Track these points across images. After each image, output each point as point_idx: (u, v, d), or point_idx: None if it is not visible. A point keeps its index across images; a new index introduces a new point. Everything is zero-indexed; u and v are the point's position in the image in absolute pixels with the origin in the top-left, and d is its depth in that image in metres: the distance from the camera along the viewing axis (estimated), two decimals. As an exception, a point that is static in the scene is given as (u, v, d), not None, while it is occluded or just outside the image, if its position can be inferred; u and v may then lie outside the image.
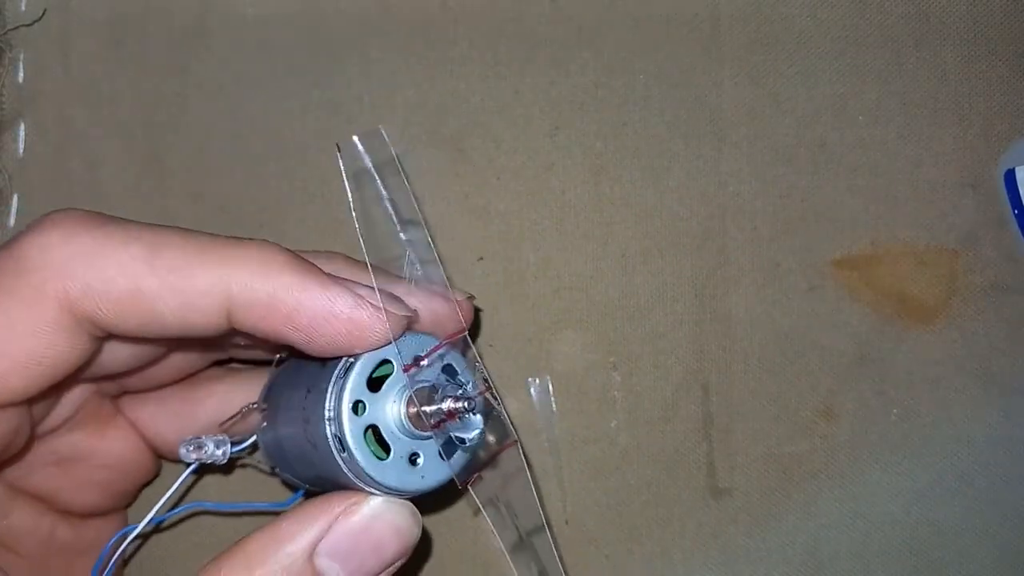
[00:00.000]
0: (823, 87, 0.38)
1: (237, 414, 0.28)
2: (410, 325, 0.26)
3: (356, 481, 0.25)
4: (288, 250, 0.25)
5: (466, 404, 0.26)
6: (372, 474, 0.25)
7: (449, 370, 0.27)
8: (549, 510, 0.37)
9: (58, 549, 0.30)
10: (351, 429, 0.25)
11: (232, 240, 0.25)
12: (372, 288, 0.25)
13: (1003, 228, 0.38)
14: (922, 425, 0.38)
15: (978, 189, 0.38)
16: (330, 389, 0.25)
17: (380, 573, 0.26)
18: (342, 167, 0.26)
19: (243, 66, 0.37)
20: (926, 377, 0.38)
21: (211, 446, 0.27)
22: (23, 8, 0.37)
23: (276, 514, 0.31)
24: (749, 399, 0.37)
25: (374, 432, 0.25)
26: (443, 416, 0.26)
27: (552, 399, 0.37)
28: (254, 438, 0.28)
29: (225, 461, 0.27)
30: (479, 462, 0.28)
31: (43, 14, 0.37)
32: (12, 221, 0.37)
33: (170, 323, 0.24)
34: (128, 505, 0.34)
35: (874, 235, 0.38)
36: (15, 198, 0.37)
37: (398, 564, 0.26)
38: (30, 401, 0.25)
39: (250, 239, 0.25)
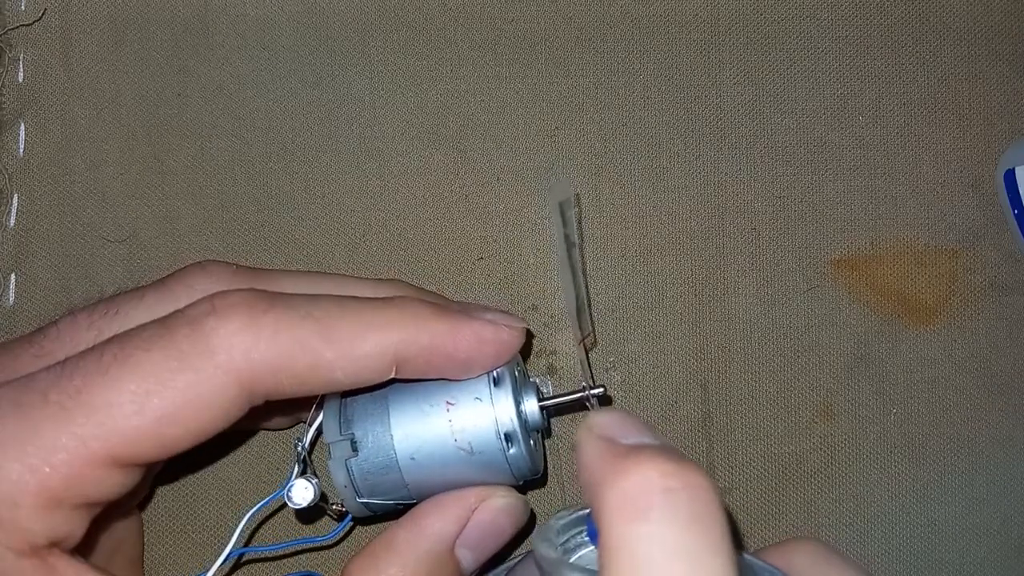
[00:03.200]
0: (823, 87, 0.38)
1: (307, 452, 0.30)
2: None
3: (500, 476, 0.29)
4: (424, 300, 0.28)
5: (602, 391, 0.31)
6: (532, 463, 0.29)
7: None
8: (549, 510, 0.37)
9: (96, 553, 0.32)
10: (520, 427, 0.29)
11: (384, 303, 0.28)
12: (493, 309, 0.29)
13: (1003, 228, 0.38)
14: (922, 425, 0.38)
15: (978, 189, 0.38)
16: (491, 397, 0.29)
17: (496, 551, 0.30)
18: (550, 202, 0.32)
19: (243, 66, 0.37)
20: (926, 377, 0.38)
21: (312, 486, 0.29)
22: (23, 8, 0.37)
23: (324, 548, 0.35)
24: (748, 399, 0.37)
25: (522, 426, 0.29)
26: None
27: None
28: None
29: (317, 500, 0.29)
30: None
31: (43, 14, 0.37)
32: (12, 221, 0.37)
33: (342, 383, 0.27)
34: (149, 496, 0.36)
35: (874, 235, 0.38)
36: (15, 198, 0.37)
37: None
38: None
39: (394, 296, 0.29)
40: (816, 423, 0.38)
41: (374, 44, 0.38)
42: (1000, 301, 0.38)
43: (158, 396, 0.24)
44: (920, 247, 0.38)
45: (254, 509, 0.30)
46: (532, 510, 0.32)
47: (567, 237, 0.34)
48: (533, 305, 0.37)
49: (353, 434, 0.29)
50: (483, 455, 0.29)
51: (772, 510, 0.37)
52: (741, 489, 0.37)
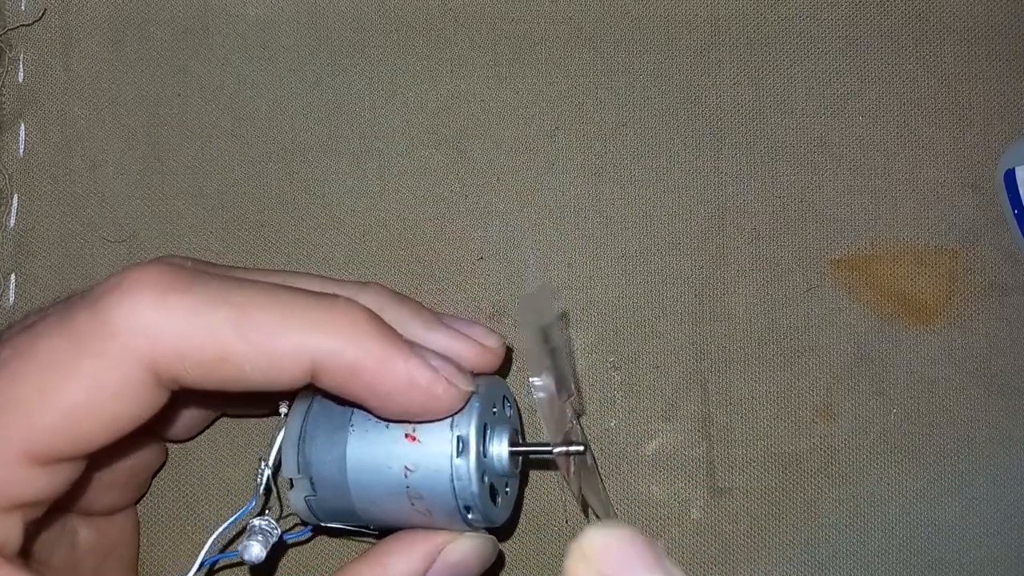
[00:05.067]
0: (823, 87, 0.38)
1: (264, 486, 0.29)
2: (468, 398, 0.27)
3: (459, 524, 0.28)
4: (371, 312, 0.26)
5: (581, 449, 0.29)
6: (493, 520, 0.28)
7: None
8: (549, 510, 0.37)
9: (85, 551, 0.31)
10: (481, 497, 0.27)
11: (319, 301, 0.25)
12: (443, 359, 0.27)
13: (1003, 228, 0.38)
14: (922, 425, 0.38)
15: (978, 189, 0.38)
16: (452, 471, 0.27)
17: None
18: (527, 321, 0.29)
19: (244, 66, 0.37)
20: (926, 377, 0.38)
21: (268, 534, 0.28)
22: (23, 8, 0.37)
23: (301, 543, 0.35)
24: (749, 399, 0.37)
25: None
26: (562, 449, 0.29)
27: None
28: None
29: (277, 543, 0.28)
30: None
31: (43, 14, 0.37)
32: (12, 221, 0.37)
33: (253, 381, 0.25)
34: (142, 496, 0.35)
35: (874, 235, 0.38)
36: (15, 198, 0.37)
37: None
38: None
39: (336, 297, 0.26)
40: (816, 423, 0.38)
41: (374, 44, 0.38)
42: (1000, 301, 0.38)
43: (62, 388, 0.23)
44: (920, 247, 0.38)
45: (220, 529, 0.28)
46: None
47: (554, 363, 0.30)
48: (533, 305, 0.37)
49: (311, 477, 0.28)
50: (441, 518, 0.27)
51: (772, 510, 0.37)
52: (741, 489, 0.37)
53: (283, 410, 0.29)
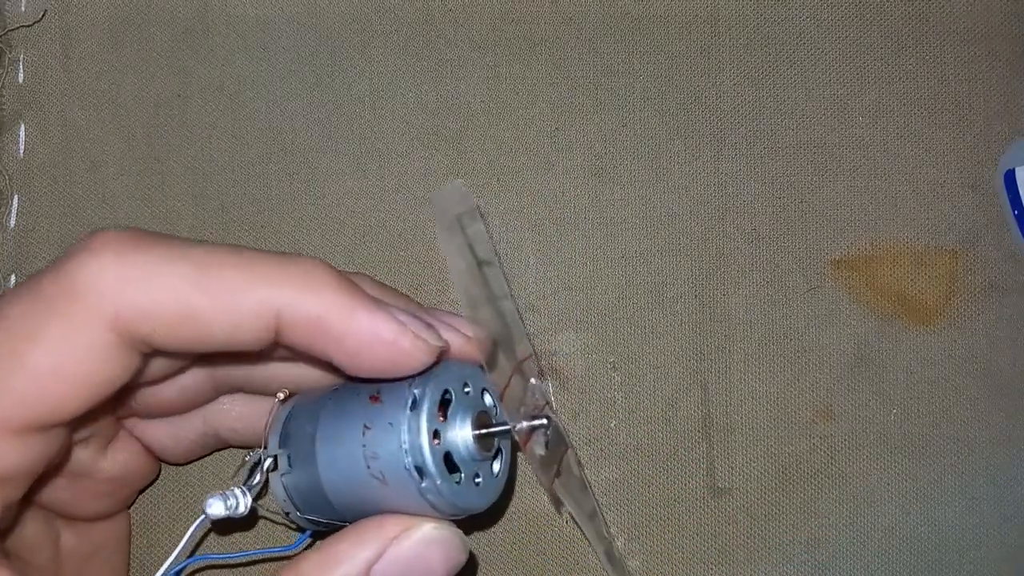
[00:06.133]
0: (823, 87, 0.38)
1: (253, 465, 0.29)
2: (441, 355, 0.27)
3: (425, 508, 0.26)
4: (334, 269, 0.25)
5: (545, 423, 0.28)
6: (453, 500, 0.26)
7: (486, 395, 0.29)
8: (548, 510, 0.37)
9: (68, 555, 0.31)
10: (433, 460, 0.26)
11: (281, 257, 0.25)
12: (411, 315, 0.26)
13: (1003, 228, 0.38)
14: (922, 425, 0.38)
15: (978, 189, 0.38)
16: (404, 423, 0.26)
17: None
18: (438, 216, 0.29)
19: (244, 66, 0.37)
20: (926, 377, 0.38)
21: (238, 496, 0.27)
22: (23, 8, 0.37)
23: (286, 558, 0.32)
24: (749, 399, 0.37)
25: (445, 458, 0.27)
26: (526, 432, 0.28)
27: (551, 400, 0.37)
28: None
29: (247, 513, 0.28)
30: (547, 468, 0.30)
31: (43, 14, 0.37)
32: (12, 221, 0.37)
33: (219, 340, 0.24)
34: (130, 506, 0.35)
35: (874, 235, 0.38)
36: (15, 198, 0.37)
37: None
38: (77, 420, 0.25)
39: (298, 255, 0.26)
40: (816, 423, 0.38)
41: (374, 44, 0.38)
42: (1000, 301, 0.38)
43: (31, 352, 0.23)
44: (920, 247, 0.38)
45: (197, 522, 0.28)
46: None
47: (475, 256, 0.30)
48: (532, 305, 0.37)
49: (288, 452, 0.28)
50: (397, 486, 0.26)
51: (772, 511, 0.37)
52: (741, 489, 0.37)
53: (280, 395, 0.29)
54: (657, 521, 0.37)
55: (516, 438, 0.29)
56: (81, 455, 0.30)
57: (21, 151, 0.37)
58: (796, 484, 0.37)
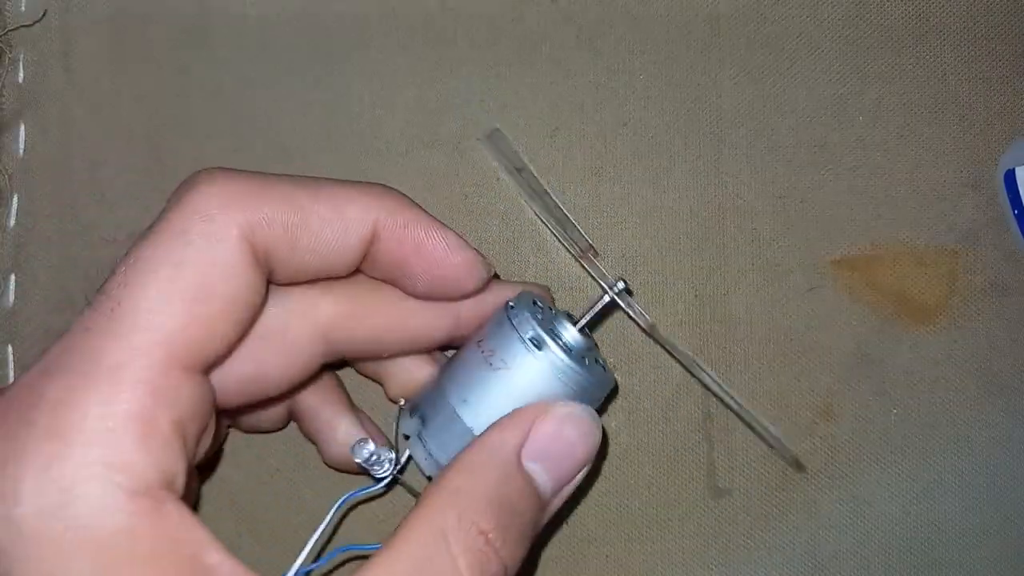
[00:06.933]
0: (823, 87, 0.38)
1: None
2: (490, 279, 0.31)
3: (555, 387, 0.29)
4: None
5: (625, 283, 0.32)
6: (576, 372, 0.29)
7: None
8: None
9: None
10: (545, 332, 0.29)
11: (361, 182, 0.28)
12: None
13: (1003, 228, 0.38)
14: (922, 425, 0.38)
15: (978, 189, 0.38)
16: (507, 319, 0.30)
17: (575, 475, 0.29)
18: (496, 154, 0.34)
19: (243, 66, 0.37)
20: (926, 377, 0.38)
21: (383, 454, 0.31)
22: (23, 8, 0.37)
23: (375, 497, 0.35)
24: (749, 399, 0.37)
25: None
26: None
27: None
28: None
29: (388, 475, 0.31)
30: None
31: (43, 14, 0.37)
32: (12, 221, 0.37)
33: (329, 248, 0.27)
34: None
35: (874, 235, 0.38)
36: (15, 198, 0.37)
37: (587, 468, 0.29)
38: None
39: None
40: (817, 423, 0.38)
41: (374, 44, 0.38)
42: (1000, 301, 0.38)
43: (179, 278, 0.24)
44: (920, 247, 0.38)
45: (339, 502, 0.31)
46: (605, 432, 0.33)
47: (517, 172, 0.35)
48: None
49: (420, 413, 0.31)
50: (521, 368, 0.29)
51: (773, 511, 0.37)
52: (742, 490, 0.37)
53: (401, 401, 0.33)
54: (657, 521, 0.37)
55: (619, 302, 0.31)
56: None
57: (21, 151, 0.37)
58: (797, 484, 0.37)
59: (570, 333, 0.30)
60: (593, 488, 0.37)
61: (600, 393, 0.30)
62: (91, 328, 0.23)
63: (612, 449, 0.37)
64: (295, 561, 0.28)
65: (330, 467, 0.35)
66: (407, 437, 0.31)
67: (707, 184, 0.38)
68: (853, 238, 0.38)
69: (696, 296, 0.38)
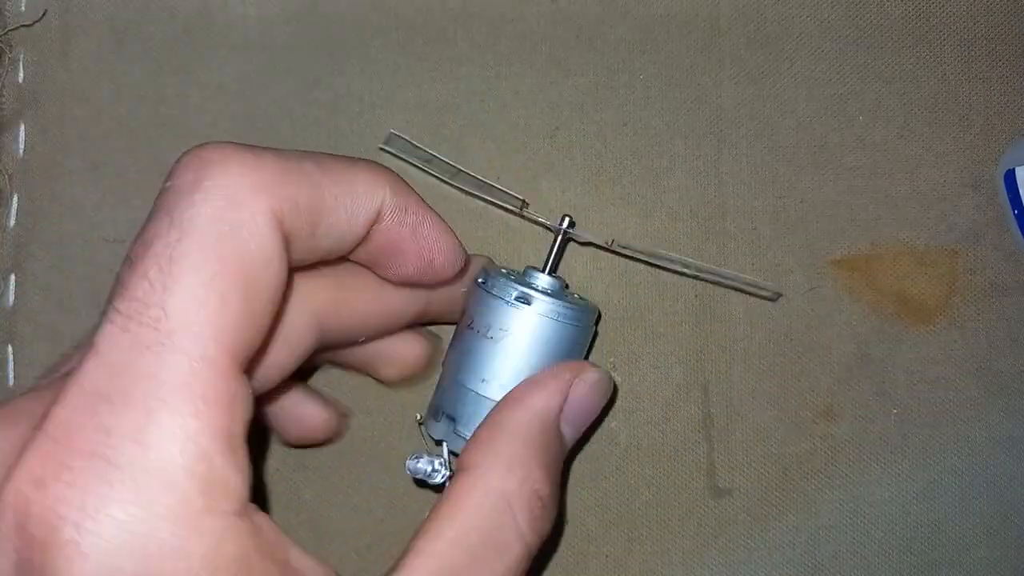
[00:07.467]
0: (823, 87, 0.38)
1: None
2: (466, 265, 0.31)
3: (558, 331, 0.31)
4: None
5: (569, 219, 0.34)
6: (566, 308, 0.31)
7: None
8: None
9: None
10: (525, 286, 0.31)
11: (355, 158, 0.28)
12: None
13: (1003, 228, 0.38)
14: (922, 425, 0.38)
15: (978, 189, 0.38)
16: (483, 290, 0.31)
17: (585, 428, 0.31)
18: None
19: (243, 66, 0.37)
20: (926, 377, 0.38)
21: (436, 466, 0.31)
22: (23, 8, 0.37)
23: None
24: (749, 399, 0.37)
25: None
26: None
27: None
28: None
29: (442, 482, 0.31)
30: None
31: (43, 14, 0.37)
32: (12, 221, 0.37)
33: (341, 226, 0.26)
34: None
35: (874, 235, 0.38)
36: (15, 198, 0.37)
37: None
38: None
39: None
40: (817, 423, 0.38)
41: (374, 44, 0.38)
42: (1000, 301, 0.38)
43: (224, 276, 0.22)
44: (920, 247, 0.38)
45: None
46: (616, 384, 0.35)
47: (428, 164, 0.36)
48: (533, 305, 0.37)
49: (445, 413, 0.32)
50: (520, 326, 0.31)
51: (773, 511, 0.37)
52: (742, 490, 0.37)
53: (418, 416, 0.33)
54: (658, 521, 0.37)
55: (571, 233, 0.34)
56: None
57: (21, 151, 0.37)
58: (797, 484, 0.37)
59: (544, 280, 0.32)
60: (593, 488, 0.37)
61: (591, 321, 0.33)
62: (142, 342, 0.21)
63: (612, 449, 0.37)
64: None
65: (291, 446, 0.36)
66: (441, 442, 0.31)
67: (707, 184, 0.38)
68: (853, 238, 0.38)
69: (696, 296, 0.38)
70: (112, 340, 0.21)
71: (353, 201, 0.26)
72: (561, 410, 0.29)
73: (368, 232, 0.27)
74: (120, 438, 0.20)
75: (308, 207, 0.24)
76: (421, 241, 0.28)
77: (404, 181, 0.28)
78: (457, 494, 0.26)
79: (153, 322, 0.21)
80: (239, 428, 0.22)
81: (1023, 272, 0.38)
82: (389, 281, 0.30)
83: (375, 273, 0.30)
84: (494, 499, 0.26)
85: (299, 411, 0.34)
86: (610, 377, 0.31)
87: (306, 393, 0.35)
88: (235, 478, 0.21)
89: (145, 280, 0.22)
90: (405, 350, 0.34)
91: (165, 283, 0.22)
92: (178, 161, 0.24)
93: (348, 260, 0.29)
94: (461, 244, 0.30)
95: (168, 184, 0.24)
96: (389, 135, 0.36)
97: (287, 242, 0.24)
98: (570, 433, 0.30)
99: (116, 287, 0.22)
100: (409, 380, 0.35)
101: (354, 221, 0.26)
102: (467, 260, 0.31)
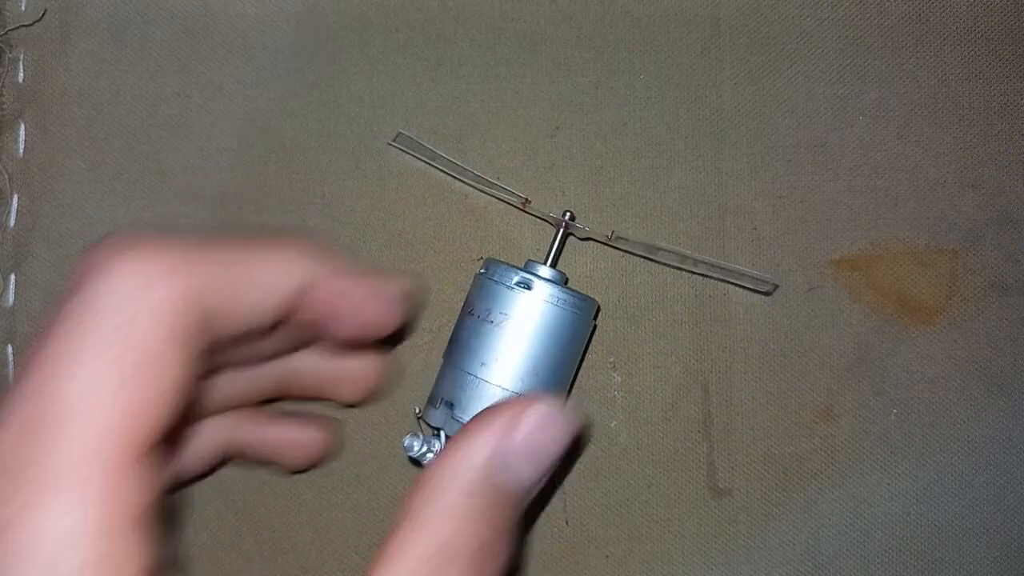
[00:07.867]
0: (823, 87, 0.38)
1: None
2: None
3: (558, 317, 0.31)
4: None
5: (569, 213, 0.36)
6: (568, 294, 0.32)
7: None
8: (549, 511, 0.37)
9: None
10: (527, 272, 0.32)
11: (273, 240, 0.28)
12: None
13: (1003, 228, 0.38)
14: (922, 425, 0.38)
15: (978, 189, 0.38)
16: (484, 279, 0.32)
17: (549, 467, 0.29)
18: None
19: (243, 66, 0.37)
20: (926, 377, 0.38)
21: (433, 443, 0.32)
22: (23, 8, 0.37)
23: None
24: (749, 399, 0.37)
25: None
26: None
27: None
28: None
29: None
30: None
31: (43, 14, 0.37)
32: (12, 221, 0.37)
33: (258, 304, 0.27)
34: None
35: (874, 235, 0.38)
36: (15, 198, 0.37)
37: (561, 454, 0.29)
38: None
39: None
40: (817, 423, 0.38)
41: (374, 44, 0.38)
42: (1000, 301, 0.38)
43: (121, 360, 0.22)
44: (920, 247, 0.38)
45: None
46: (587, 418, 0.35)
47: (434, 163, 0.37)
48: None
49: (442, 400, 0.32)
50: (521, 310, 0.31)
51: (773, 511, 0.37)
52: (742, 490, 0.37)
53: (416, 408, 0.34)
54: (657, 521, 0.37)
55: (572, 228, 0.35)
56: None
57: (21, 151, 0.37)
58: (796, 484, 0.37)
59: (545, 269, 0.33)
60: (593, 488, 0.37)
61: (591, 310, 0.33)
62: (26, 427, 0.21)
63: (612, 449, 0.37)
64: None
65: (295, 474, 0.37)
66: (439, 430, 0.32)
67: (707, 184, 0.38)
68: (853, 238, 0.38)
69: (696, 296, 0.38)
70: (12, 417, 0.22)
71: (269, 279, 0.27)
72: (507, 450, 0.27)
73: (296, 303, 0.28)
74: (3, 516, 0.21)
75: (218, 290, 0.25)
76: (356, 304, 0.30)
77: (334, 250, 0.29)
78: (398, 542, 0.25)
79: (48, 405, 0.22)
80: (134, 510, 0.22)
81: (1023, 272, 0.38)
82: (336, 342, 0.32)
83: (323, 336, 0.31)
84: (433, 551, 0.25)
85: (285, 439, 0.35)
86: (571, 409, 0.28)
87: (285, 421, 0.36)
88: (129, 561, 0.21)
89: (46, 362, 0.22)
90: (365, 370, 0.36)
91: (63, 368, 0.22)
92: (91, 246, 0.24)
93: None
94: (399, 294, 0.31)
95: (77, 270, 0.24)
96: (398, 134, 0.37)
97: (200, 324, 0.24)
98: (528, 471, 0.27)
99: (26, 360, 0.23)
100: (368, 399, 0.37)
101: (271, 298, 0.27)
102: (404, 315, 0.31)
